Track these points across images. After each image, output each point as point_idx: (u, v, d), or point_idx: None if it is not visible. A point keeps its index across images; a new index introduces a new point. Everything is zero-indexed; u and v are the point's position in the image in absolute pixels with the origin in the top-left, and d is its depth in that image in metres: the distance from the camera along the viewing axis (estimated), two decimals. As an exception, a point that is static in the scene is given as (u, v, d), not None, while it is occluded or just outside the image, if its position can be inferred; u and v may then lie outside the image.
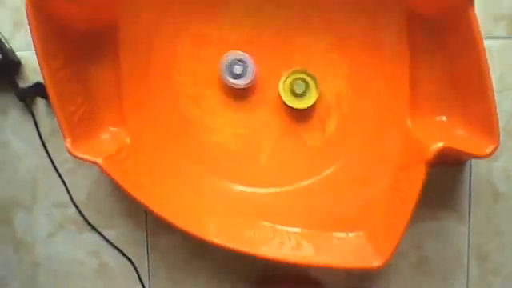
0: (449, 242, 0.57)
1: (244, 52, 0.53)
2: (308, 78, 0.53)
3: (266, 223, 0.53)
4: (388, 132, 0.52)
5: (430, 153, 0.45)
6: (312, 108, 0.54)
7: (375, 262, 0.47)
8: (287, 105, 0.54)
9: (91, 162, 0.47)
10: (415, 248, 0.57)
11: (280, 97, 0.54)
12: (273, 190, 0.55)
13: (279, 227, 0.53)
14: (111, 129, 0.53)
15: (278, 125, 0.55)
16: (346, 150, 0.54)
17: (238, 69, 0.53)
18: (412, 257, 0.57)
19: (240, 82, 0.53)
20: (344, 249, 0.50)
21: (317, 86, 0.53)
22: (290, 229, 0.53)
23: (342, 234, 0.52)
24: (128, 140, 0.53)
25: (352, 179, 0.53)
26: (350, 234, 0.51)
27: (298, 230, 0.52)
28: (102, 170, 0.47)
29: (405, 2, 0.50)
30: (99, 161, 0.47)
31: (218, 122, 0.55)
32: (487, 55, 0.44)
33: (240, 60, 0.53)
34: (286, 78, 0.53)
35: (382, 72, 0.53)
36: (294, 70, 0.53)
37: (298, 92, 0.53)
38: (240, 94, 0.55)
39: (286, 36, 0.54)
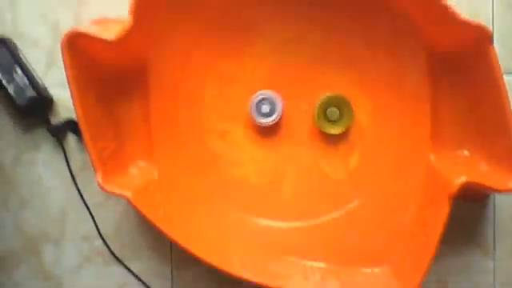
0: (474, 278, 0.57)
1: (269, 89, 0.55)
2: (342, 105, 0.54)
3: (290, 258, 0.53)
4: (411, 167, 0.53)
5: (453, 187, 0.46)
6: (335, 141, 0.55)
7: (400, 299, 0.47)
8: (320, 130, 0.55)
9: (121, 195, 0.49)
10: (440, 284, 0.57)
11: (305, 129, 0.56)
12: (296, 224, 0.56)
13: (303, 262, 0.53)
14: (140, 163, 0.55)
15: (301, 159, 0.56)
16: (369, 184, 0.55)
17: (265, 108, 0.55)
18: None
19: (268, 120, 0.55)
20: (369, 284, 0.50)
21: (350, 112, 0.54)
22: (313, 263, 0.53)
23: (367, 270, 0.52)
24: (156, 174, 0.55)
25: (375, 214, 0.54)
26: (375, 270, 0.52)
27: (322, 264, 0.53)
28: (131, 204, 0.49)
29: (425, 40, 0.51)
30: (128, 195, 0.49)
31: (242, 157, 0.57)
32: (508, 90, 0.45)
33: (267, 99, 0.55)
34: (320, 104, 0.55)
35: (403, 107, 0.54)
36: (328, 95, 0.55)
37: (331, 118, 0.54)
38: (265, 130, 0.56)
39: (309, 73, 0.55)
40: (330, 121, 0.55)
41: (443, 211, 0.47)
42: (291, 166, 0.56)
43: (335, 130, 0.55)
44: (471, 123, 0.51)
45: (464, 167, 0.50)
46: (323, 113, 0.55)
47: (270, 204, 0.56)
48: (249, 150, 0.57)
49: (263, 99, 0.55)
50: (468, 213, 0.56)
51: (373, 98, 0.55)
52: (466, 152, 0.52)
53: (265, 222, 0.56)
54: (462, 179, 0.45)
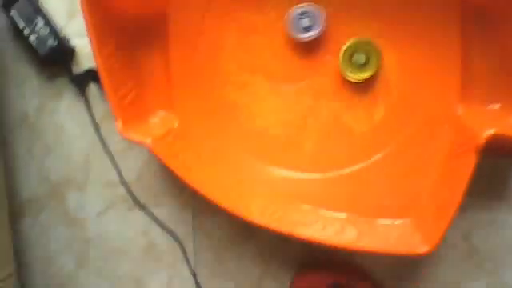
0: (500, 233, 0.56)
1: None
2: (371, 50, 0.52)
3: (309, 207, 0.53)
4: (438, 120, 0.51)
5: (481, 139, 0.44)
6: (359, 93, 0.54)
7: (422, 248, 0.46)
8: (344, 82, 0.53)
9: (140, 142, 0.49)
10: (465, 238, 0.56)
11: (328, 80, 0.54)
12: (317, 175, 0.55)
13: (323, 212, 0.53)
14: (160, 112, 0.55)
15: (323, 111, 0.55)
16: (394, 137, 0.53)
17: (305, 22, 0.52)
18: (461, 247, 0.56)
19: (308, 35, 0.52)
20: (390, 235, 0.50)
21: (378, 58, 0.52)
22: (333, 214, 0.53)
23: (387, 221, 0.51)
24: (176, 124, 0.54)
25: (400, 167, 0.53)
26: (397, 221, 0.51)
27: (342, 215, 0.52)
28: (151, 151, 0.49)
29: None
30: (148, 141, 0.49)
31: (263, 108, 0.56)
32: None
33: (307, 12, 0.52)
34: (347, 49, 0.53)
35: (431, 59, 0.51)
36: (355, 39, 0.52)
37: (358, 63, 0.52)
38: (286, 79, 0.55)
39: (334, 23, 0.53)
40: (356, 66, 0.53)
41: (470, 163, 0.45)
42: (313, 117, 0.55)
43: (360, 76, 0.53)
44: (502, 77, 0.49)
45: (493, 121, 0.48)
46: (349, 58, 0.53)
47: (290, 155, 0.56)
48: (269, 101, 0.56)
49: (303, 13, 0.52)
50: (495, 168, 0.55)
51: (400, 49, 0.52)
52: (496, 106, 0.50)
53: (285, 172, 0.55)
54: (491, 131, 0.43)
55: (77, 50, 0.59)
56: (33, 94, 0.60)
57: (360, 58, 0.52)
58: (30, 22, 0.57)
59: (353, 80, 0.53)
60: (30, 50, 0.58)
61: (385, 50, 0.52)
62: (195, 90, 0.55)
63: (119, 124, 0.49)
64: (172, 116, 0.55)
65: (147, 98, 0.54)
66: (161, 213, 0.61)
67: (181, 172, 0.50)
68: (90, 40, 0.48)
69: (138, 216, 0.61)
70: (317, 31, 0.52)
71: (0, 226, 0.56)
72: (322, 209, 0.53)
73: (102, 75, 0.49)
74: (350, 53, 0.53)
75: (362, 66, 0.53)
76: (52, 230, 0.62)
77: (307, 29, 0.52)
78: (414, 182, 0.52)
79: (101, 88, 0.59)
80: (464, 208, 0.46)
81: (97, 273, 0.63)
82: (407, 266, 0.58)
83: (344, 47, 0.53)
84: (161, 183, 0.60)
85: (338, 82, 0.54)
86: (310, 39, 0.53)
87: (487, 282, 0.57)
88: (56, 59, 0.58)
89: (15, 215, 0.62)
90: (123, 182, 0.60)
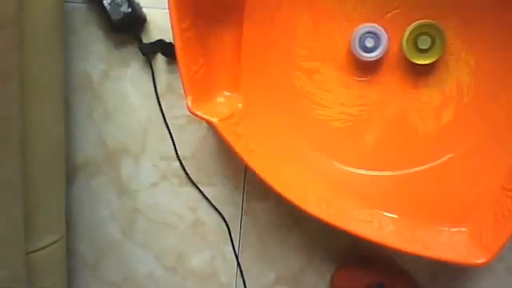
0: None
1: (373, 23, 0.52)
2: (435, 33, 0.51)
3: (365, 205, 0.53)
4: (507, 129, 0.50)
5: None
6: (429, 93, 0.53)
7: (480, 259, 0.46)
8: (409, 61, 0.52)
9: (207, 121, 0.49)
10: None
11: (397, 77, 0.53)
12: (375, 173, 0.55)
13: (378, 211, 0.53)
14: (226, 93, 0.55)
15: (389, 108, 0.54)
16: (459, 142, 0.52)
17: (369, 41, 0.52)
18: (510, 261, 0.55)
19: (371, 55, 0.52)
20: (445, 242, 0.49)
21: (443, 42, 0.51)
22: (388, 214, 0.52)
23: (443, 228, 0.51)
24: (240, 105, 0.55)
25: (461, 174, 0.52)
26: (453, 229, 0.51)
27: (396, 216, 0.52)
28: (216, 130, 0.49)
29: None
30: (215, 121, 0.49)
31: (328, 98, 0.55)
32: None
33: (371, 33, 0.52)
34: (411, 32, 0.52)
35: (508, 67, 0.50)
36: (420, 22, 0.51)
37: (422, 47, 0.51)
38: (356, 72, 0.55)
39: (411, 14, 0.52)
40: (421, 50, 0.51)
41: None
42: (378, 114, 0.55)
43: (425, 60, 0.52)
44: None
45: None
46: (413, 42, 0.52)
47: (350, 150, 0.55)
48: (336, 93, 0.55)
49: (367, 33, 0.52)
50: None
51: (477, 52, 0.51)
52: None
53: (344, 166, 0.55)
54: None
55: (148, 20, 0.60)
56: (99, 58, 0.61)
57: (425, 40, 0.51)
58: (105, -13, 0.58)
59: (418, 63, 0.52)
60: (103, 14, 0.58)
61: (462, 51, 0.51)
62: (263, 72, 0.55)
63: (189, 100, 0.49)
64: (237, 97, 0.55)
65: (215, 77, 0.54)
66: (211, 192, 0.61)
67: (243, 153, 0.50)
68: (170, 12, 0.48)
69: (189, 192, 0.62)
70: (379, 51, 0.52)
71: (57, 188, 0.57)
72: (378, 208, 0.53)
73: (178, 49, 0.49)
74: (415, 36, 0.52)
75: (426, 50, 0.52)
76: (103, 196, 0.64)
77: (370, 49, 0.52)
78: (474, 191, 0.51)
79: (168, 60, 0.60)
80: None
81: (141, 243, 0.64)
82: (451, 274, 0.57)
83: (408, 29, 0.52)
84: (215, 162, 0.61)
85: (408, 81, 0.54)
86: (371, 60, 0.53)
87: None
88: (127, 26, 0.58)
89: (68, 178, 0.63)
90: (178, 157, 0.61)
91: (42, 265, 0.53)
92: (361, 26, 0.52)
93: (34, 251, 0.52)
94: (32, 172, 0.51)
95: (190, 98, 0.49)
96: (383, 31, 0.52)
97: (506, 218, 0.47)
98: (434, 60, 0.52)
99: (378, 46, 0.52)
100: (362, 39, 0.52)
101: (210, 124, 0.50)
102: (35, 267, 0.53)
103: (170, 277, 0.64)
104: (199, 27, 0.52)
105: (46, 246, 0.54)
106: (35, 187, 0.52)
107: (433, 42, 0.51)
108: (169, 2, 0.48)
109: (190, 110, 0.49)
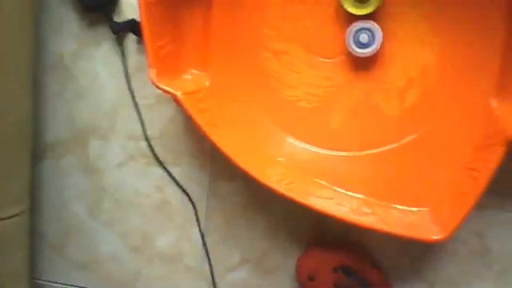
0: (514, 237, 0.55)
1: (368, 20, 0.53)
2: None
3: (327, 183, 0.53)
4: (471, 110, 0.50)
5: (511, 134, 0.44)
6: (393, 76, 0.53)
7: (436, 236, 0.46)
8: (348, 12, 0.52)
9: (171, 93, 0.49)
10: (477, 236, 0.55)
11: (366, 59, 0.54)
12: (339, 153, 0.55)
13: (340, 190, 0.53)
14: (193, 71, 0.55)
15: (354, 90, 0.55)
16: (423, 123, 0.53)
17: (364, 37, 0.52)
18: (472, 245, 0.55)
19: (365, 51, 0.52)
20: (404, 220, 0.49)
21: None
22: (351, 194, 0.53)
23: (403, 207, 0.51)
24: (207, 83, 0.55)
25: (425, 154, 0.52)
26: (413, 209, 0.51)
27: (359, 195, 0.52)
28: (180, 104, 0.49)
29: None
30: (179, 94, 0.49)
31: (295, 79, 0.56)
32: None
33: (366, 29, 0.52)
34: None
35: (472, 48, 0.51)
36: None
37: None
38: (322, 54, 0.55)
39: (382, 8, 0.53)
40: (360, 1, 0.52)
41: (496, 156, 0.45)
42: (343, 95, 0.55)
43: (362, 11, 0.52)
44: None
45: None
46: None
47: (315, 130, 0.55)
48: (303, 73, 0.55)
49: (362, 29, 0.52)
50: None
51: (443, 35, 0.52)
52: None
53: (308, 146, 0.55)
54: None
55: None
56: (71, 38, 0.61)
57: None
58: (77, -34, 0.58)
59: (354, 13, 0.52)
60: (75, -6, 0.59)
61: (427, 34, 0.52)
62: (231, 52, 0.55)
63: (153, 73, 0.49)
64: (204, 76, 0.55)
65: (182, 54, 0.54)
66: (178, 172, 0.61)
67: (206, 128, 0.50)
68: (136, -13, 0.49)
69: (156, 172, 0.61)
70: (373, 47, 0.53)
71: (22, 162, 0.57)
72: (341, 187, 0.53)
73: (143, 24, 0.49)
74: None
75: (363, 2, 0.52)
76: (70, 175, 0.63)
77: (365, 45, 0.53)
78: (436, 171, 0.51)
79: (139, 40, 0.60)
80: (481, 206, 0.46)
81: (107, 223, 0.63)
82: (415, 257, 0.57)
83: None
84: (182, 143, 0.61)
85: (373, 62, 0.54)
86: (365, 56, 0.53)
87: (493, 283, 0.56)
88: (99, 6, 0.59)
89: (36, 156, 0.63)
90: (146, 137, 0.61)
91: (1, 236, 0.53)
92: (355, 22, 0.52)
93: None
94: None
95: (153, 70, 0.50)
96: (377, 27, 0.52)
97: (465, 195, 0.47)
98: (371, 11, 0.52)
99: (373, 42, 0.52)
100: (356, 35, 0.53)
101: (173, 98, 0.50)
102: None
103: (135, 257, 0.63)
104: (167, 4, 0.52)
105: (6, 218, 0.53)
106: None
107: None
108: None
109: (153, 83, 0.49)
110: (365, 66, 0.54)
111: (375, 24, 0.52)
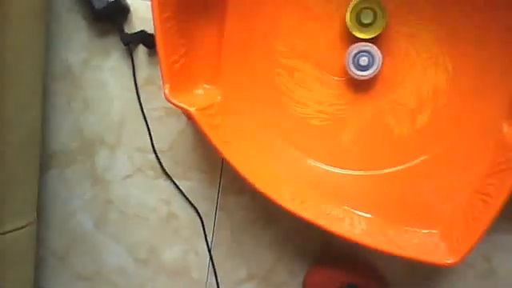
0: (521, 261, 0.56)
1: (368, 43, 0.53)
2: (376, 8, 0.52)
3: (338, 202, 0.53)
4: (482, 134, 0.51)
5: (525, 160, 0.44)
6: (406, 97, 0.53)
7: (449, 259, 0.46)
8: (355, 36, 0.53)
9: (184, 110, 0.49)
10: (485, 259, 0.56)
11: (375, 78, 0.54)
12: (350, 172, 0.55)
13: (351, 209, 0.53)
14: (205, 86, 0.55)
15: (366, 109, 0.55)
16: (434, 145, 0.53)
17: (364, 60, 0.52)
18: (480, 268, 0.56)
19: (365, 74, 0.53)
20: (416, 243, 0.50)
21: (384, 16, 0.52)
22: (361, 213, 0.53)
23: (415, 229, 0.51)
24: (218, 98, 0.55)
25: (434, 176, 0.52)
26: (424, 231, 0.51)
27: (369, 215, 0.52)
28: (193, 120, 0.49)
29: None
30: (192, 110, 0.49)
31: (306, 96, 0.56)
32: None
33: (366, 51, 0.53)
34: (353, 7, 0.53)
35: (485, 72, 0.51)
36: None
37: (365, 22, 0.52)
38: (334, 72, 0.55)
39: (392, 21, 0.53)
40: (363, 24, 0.52)
41: (509, 182, 0.45)
42: (355, 113, 0.55)
43: (366, 35, 0.52)
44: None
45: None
46: (356, 17, 0.53)
47: (326, 148, 0.56)
48: (315, 91, 0.56)
49: (361, 51, 0.53)
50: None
51: (455, 58, 0.52)
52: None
53: (319, 164, 0.55)
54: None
55: (132, 10, 0.60)
56: (81, 47, 0.61)
57: (367, 15, 0.52)
58: (90, -26, 0.57)
59: (360, 37, 0.53)
60: (86, 3, 0.58)
61: (440, 56, 0.52)
62: (244, 67, 0.55)
63: (167, 88, 0.49)
64: (216, 91, 0.55)
65: (195, 69, 0.54)
66: (187, 186, 0.61)
67: (219, 144, 0.50)
68: (152, 1, 0.48)
69: (163, 186, 0.61)
70: (373, 70, 0.53)
71: (30, 173, 0.56)
72: (351, 206, 0.53)
73: (158, 37, 0.49)
74: (358, 11, 0.52)
75: (368, 25, 0.52)
76: (76, 185, 0.63)
77: (364, 68, 0.53)
78: (447, 193, 0.51)
79: (149, 52, 0.60)
80: (489, 229, 0.46)
81: (113, 236, 0.63)
82: (422, 276, 0.58)
83: (350, 5, 0.52)
84: (191, 157, 0.60)
85: (385, 83, 0.54)
86: (364, 78, 0.53)
87: (500, 306, 0.56)
88: (110, 16, 0.58)
89: (42, 166, 0.62)
90: (154, 150, 0.61)
91: (8, 249, 0.52)
92: (354, 45, 0.53)
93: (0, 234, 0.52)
94: (3, 154, 0.51)
95: (167, 86, 0.49)
96: (377, 50, 0.52)
97: (477, 220, 0.47)
98: (376, 34, 0.52)
99: (373, 65, 0.53)
100: (355, 57, 0.53)
101: (186, 114, 0.50)
102: (1, 251, 0.52)
103: (141, 270, 0.63)
104: (181, 18, 0.52)
105: (14, 230, 0.52)
106: (5, 170, 0.51)
107: (375, 17, 0.52)
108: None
109: (166, 98, 0.49)
110: (376, 86, 0.55)
111: (374, 46, 0.52)
